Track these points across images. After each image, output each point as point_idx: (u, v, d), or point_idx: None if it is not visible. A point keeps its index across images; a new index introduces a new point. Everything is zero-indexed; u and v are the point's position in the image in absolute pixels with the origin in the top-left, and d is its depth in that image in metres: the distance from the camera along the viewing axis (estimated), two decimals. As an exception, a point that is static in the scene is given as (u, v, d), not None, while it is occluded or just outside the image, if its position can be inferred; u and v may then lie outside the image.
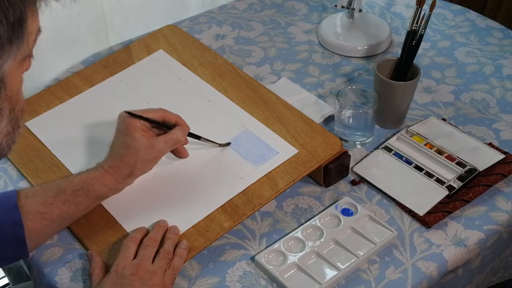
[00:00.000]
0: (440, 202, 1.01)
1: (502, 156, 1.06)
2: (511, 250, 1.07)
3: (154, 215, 0.96)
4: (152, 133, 0.95)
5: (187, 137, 0.98)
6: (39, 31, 0.64)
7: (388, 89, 1.10)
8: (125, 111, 0.94)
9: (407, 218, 1.00)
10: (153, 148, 0.93)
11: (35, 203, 0.89)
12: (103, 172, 0.93)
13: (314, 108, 1.16)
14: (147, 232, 0.93)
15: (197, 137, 1.02)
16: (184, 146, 1.01)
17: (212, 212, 0.96)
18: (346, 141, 1.10)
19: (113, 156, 0.93)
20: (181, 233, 0.94)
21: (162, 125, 0.96)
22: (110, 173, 0.93)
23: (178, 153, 1.01)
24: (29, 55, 0.64)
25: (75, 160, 1.05)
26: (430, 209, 0.99)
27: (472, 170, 1.04)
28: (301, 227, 0.97)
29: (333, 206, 0.99)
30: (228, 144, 1.04)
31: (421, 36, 1.10)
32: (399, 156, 1.08)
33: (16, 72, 0.62)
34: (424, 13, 1.09)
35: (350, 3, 1.29)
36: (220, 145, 1.04)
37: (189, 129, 0.98)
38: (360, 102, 1.15)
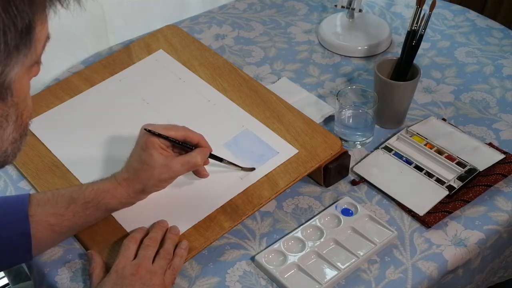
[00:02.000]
0: (440, 202, 1.01)
1: (502, 156, 1.06)
2: (511, 250, 1.07)
3: (154, 215, 0.96)
4: (170, 152, 0.93)
5: (209, 159, 0.96)
6: (48, 38, 0.63)
7: (388, 89, 1.10)
8: (145, 128, 0.91)
9: (407, 218, 1.00)
10: (169, 169, 0.91)
11: (45, 213, 0.88)
12: (116, 184, 0.91)
13: (314, 108, 1.16)
14: (147, 232, 0.93)
15: (219, 159, 0.98)
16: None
17: (212, 212, 0.96)
18: (346, 141, 1.10)
19: (128, 169, 0.92)
20: (181, 233, 0.94)
21: (183, 145, 0.93)
22: (123, 185, 0.91)
23: (198, 173, 0.98)
24: (37, 62, 0.63)
25: (75, 160, 1.05)
26: (430, 209, 0.99)
27: (472, 170, 1.04)
28: (301, 227, 0.97)
29: (333, 206, 0.99)
30: (253, 169, 1.01)
31: (421, 36, 1.10)
32: (399, 156, 1.08)
33: (24, 79, 0.62)
34: (424, 13, 1.09)
35: (350, 3, 1.29)
36: (243, 169, 1.00)
37: (211, 150, 0.95)
38: (360, 102, 1.15)
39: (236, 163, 1.00)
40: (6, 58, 0.58)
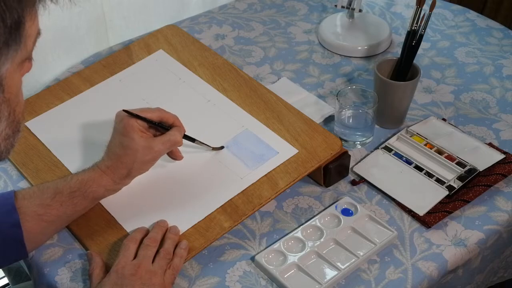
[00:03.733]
0: (440, 202, 1.01)
1: (502, 156, 1.06)
2: (511, 250, 1.07)
3: (154, 215, 0.96)
4: (149, 134, 0.94)
5: (183, 139, 0.97)
6: (38, 33, 0.63)
7: (388, 89, 1.10)
8: (123, 110, 0.93)
9: (407, 218, 1.00)
10: (151, 149, 0.92)
11: (32, 205, 0.89)
12: (100, 173, 0.92)
13: (314, 108, 1.16)
14: (147, 232, 0.93)
15: (192, 140, 1.01)
16: (180, 148, 1.00)
17: (212, 212, 0.96)
18: (346, 141, 1.10)
19: (110, 156, 0.93)
20: (181, 233, 0.94)
21: (159, 125, 0.95)
22: (107, 173, 0.92)
23: (173, 154, 0.99)
24: (29, 58, 0.63)
25: (75, 160, 1.05)
26: (430, 209, 0.99)
27: (472, 170, 1.04)
28: (301, 227, 0.97)
29: (333, 206, 0.99)
30: (221, 148, 1.04)
31: (421, 36, 1.10)
32: (399, 156, 1.08)
33: (15, 75, 0.62)
34: (424, 13, 1.09)
35: (350, 3, 1.29)
36: (214, 148, 1.03)
37: (185, 131, 0.98)
38: (360, 102, 1.15)
39: (209, 145, 1.03)
40: None
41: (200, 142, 1.02)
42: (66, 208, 0.91)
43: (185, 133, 0.98)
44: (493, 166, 1.05)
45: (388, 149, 1.09)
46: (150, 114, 0.94)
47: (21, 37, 0.59)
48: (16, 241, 0.88)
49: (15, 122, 0.65)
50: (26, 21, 0.59)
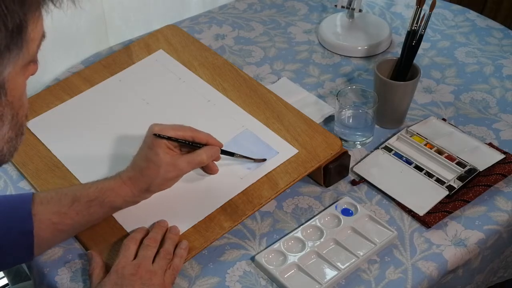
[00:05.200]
0: (440, 202, 1.01)
1: (502, 156, 1.06)
2: (511, 250, 1.07)
3: (154, 215, 0.96)
4: (176, 151, 0.93)
5: (221, 155, 0.97)
6: (43, 36, 0.62)
7: (388, 89, 1.10)
8: (154, 134, 0.91)
9: (407, 218, 1.00)
10: (175, 167, 0.91)
11: (48, 212, 0.88)
12: (121, 183, 0.91)
13: (314, 108, 1.16)
14: (147, 232, 0.93)
15: (231, 154, 0.99)
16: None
17: (212, 212, 0.96)
18: (346, 141, 1.10)
19: (134, 167, 0.92)
20: (181, 233, 0.94)
21: (192, 145, 0.94)
22: (127, 184, 0.91)
23: (208, 169, 0.99)
24: (33, 60, 0.62)
25: (75, 160, 1.05)
26: (430, 209, 0.99)
27: (472, 170, 1.04)
28: (301, 227, 0.97)
29: (333, 206, 0.99)
30: (264, 160, 1.01)
31: (421, 36, 1.10)
32: (399, 156, 1.08)
33: (18, 78, 0.61)
34: (424, 13, 1.09)
35: (350, 3, 1.29)
36: (255, 160, 1.01)
37: (221, 146, 0.96)
38: (360, 102, 1.15)
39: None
40: None
41: (240, 155, 1.00)
42: (81, 218, 0.90)
43: (223, 148, 0.97)
44: (493, 166, 1.05)
45: (388, 149, 1.09)
46: (182, 133, 0.92)
47: (23, 41, 0.59)
48: (25, 248, 0.88)
49: (18, 125, 0.64)
50: (29, 24, 0.58)
